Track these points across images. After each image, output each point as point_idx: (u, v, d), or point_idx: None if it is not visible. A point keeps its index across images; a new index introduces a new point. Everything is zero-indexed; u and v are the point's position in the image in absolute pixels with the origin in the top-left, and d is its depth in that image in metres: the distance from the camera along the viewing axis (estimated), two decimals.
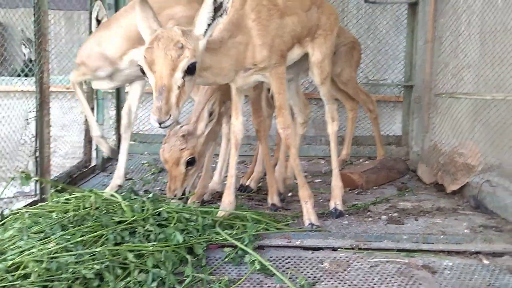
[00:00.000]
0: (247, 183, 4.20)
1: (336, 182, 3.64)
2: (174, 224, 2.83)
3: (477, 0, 4.30)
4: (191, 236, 2.81)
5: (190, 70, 2.63)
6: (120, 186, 4.04)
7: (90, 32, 4.80)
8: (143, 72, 2.65)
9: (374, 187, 4.42)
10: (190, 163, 3.42)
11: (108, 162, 5.24)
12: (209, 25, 2.71)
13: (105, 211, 2.91)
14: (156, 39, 2.59)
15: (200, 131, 3.47)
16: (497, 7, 4.00)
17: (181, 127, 3.46)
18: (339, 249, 2.95)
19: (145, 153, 5.68)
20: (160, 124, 2.55)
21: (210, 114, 3.50)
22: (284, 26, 3.15)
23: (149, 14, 2.81)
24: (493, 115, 3.91)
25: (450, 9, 4.63)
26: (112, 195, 3.09)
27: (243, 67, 3.06)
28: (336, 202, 3.63)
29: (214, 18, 2.71)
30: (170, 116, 2.55)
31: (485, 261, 2.84)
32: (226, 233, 2.88)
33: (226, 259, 2.74)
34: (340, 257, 2.85)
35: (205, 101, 3.49)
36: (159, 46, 2.56)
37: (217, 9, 2.69)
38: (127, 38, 3.64)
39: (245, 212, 3.19)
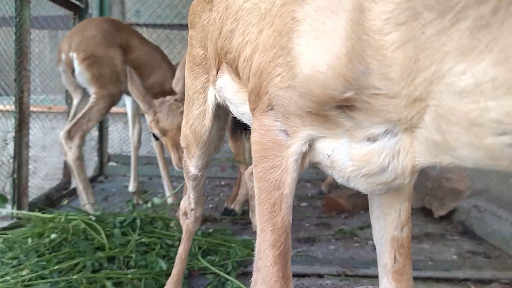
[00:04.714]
0: (231, 207, 4.10)
1: None
2: (156, 250, 2.74)
3: None
4: (173, 263, 2.71)
5: None
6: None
7: None
8: None
9: (361, 212, 4.36)
10: None
11: None
12: None
13: (83, 237, 2.81)
14: None
15: None
16: None
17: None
18: (325, 276, 2.88)
19: (127, 175, 5.57)
20: None
21: None
22: None
23: None
24: None
25: None
26: (89, 220, 2.98)
27: None
28: None
29: None
30: None
31: None
32: (208, 259, 2.79)
33: (209, 287, 2.65)
34: (327, 284, 2.78)
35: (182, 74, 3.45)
36: None
37: None
38: None
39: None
